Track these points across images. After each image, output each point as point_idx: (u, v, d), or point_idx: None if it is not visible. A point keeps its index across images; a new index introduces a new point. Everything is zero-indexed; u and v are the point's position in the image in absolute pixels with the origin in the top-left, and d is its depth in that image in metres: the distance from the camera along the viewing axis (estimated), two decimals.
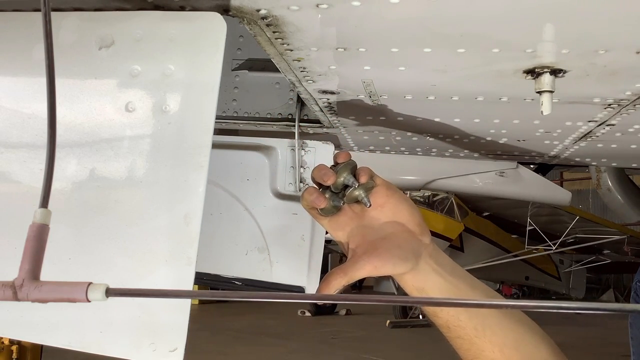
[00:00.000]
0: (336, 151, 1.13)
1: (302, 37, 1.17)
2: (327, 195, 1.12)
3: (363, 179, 1.10)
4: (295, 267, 2.13)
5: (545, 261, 16.14)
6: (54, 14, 0.84)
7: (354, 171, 1.12)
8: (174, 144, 1.15)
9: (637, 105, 1.53)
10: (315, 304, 14.33)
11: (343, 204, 1.12)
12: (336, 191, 1.12)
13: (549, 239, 13.73)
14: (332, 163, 1.14)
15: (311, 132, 2.14)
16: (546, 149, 2.18)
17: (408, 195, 12.60)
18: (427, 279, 1.11)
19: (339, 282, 1.05)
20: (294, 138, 2.08)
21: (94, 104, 1.17)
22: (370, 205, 1.11)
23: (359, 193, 1.10)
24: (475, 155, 2.44)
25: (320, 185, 1.12)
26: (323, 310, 14.88)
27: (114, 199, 1.16)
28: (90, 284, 0.74)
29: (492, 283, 18.44)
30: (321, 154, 2.12)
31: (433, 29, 1.11)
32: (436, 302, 1.12)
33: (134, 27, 1.15)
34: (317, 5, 1.02)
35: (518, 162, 2.80)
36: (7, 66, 1.22)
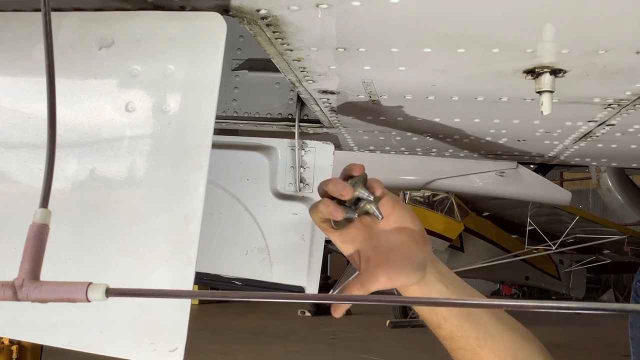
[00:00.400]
0: (349, 164, 1.11)
1: (302, 37, 1.17)
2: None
3: (378, 192, 1.09)
4: (295, 267, 2.13)
5: (545, 261, 16.13)
6: (54, 14, 0.84)
7: (366, 183, 1.11)
8: (174, 144, 1.15)
9: (637, 105, 1.53)
10: (315, 303, 14.32)
11: (358, 216, 1.10)
12: (349, 204, 1.10)
13: (549, 239, 13.72)
14: (343, 174, 1.12)
15: (311, 132, 2.14)
16: (546, 149, 2.18)
17: (408, 195, 12.63)
18: (433, 289, 1.12)
19: (356, 294, 1.06)
20: (294, 138, 2.08)
21: (94, 104, 1.17)
22: (382, 217, 1.10)
23: (370, 206, 1.09)
24: (475, 155, 2.44)
25: (332, 198, 1.10)
26: (323, 310, 14.88)
27: (114, 199, 1.16)
28: (90, 284, 0.74)
29: (492, 283, 18.44)
30: (321, 154, 2.12)
31: (433, 29, 1.11)
32: (436, 302, 1.12)
33: (134, 27, 1.15)
34: (317, 5, 1.02)
35: (518, 162, 2.80)
36: (7, 66, 1.22)
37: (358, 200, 1.09)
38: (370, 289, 1.05)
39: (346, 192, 1.05)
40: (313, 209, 1.08)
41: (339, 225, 1.11)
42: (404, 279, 1.08)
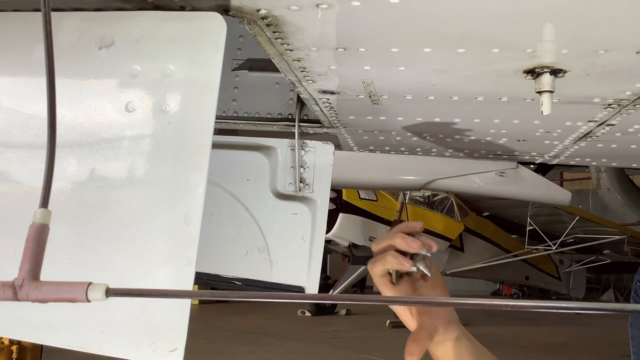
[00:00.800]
0: (409, 222, 1.20)
1: (302, 37, 1.17)
2: None
3: (435, 249, 1.16)
4: (295, 267, 2.13)
5: (545, 261, 16.12)
6: (54, 14, 0.84)
7: None
8: (174, 144, 1.15)
9: (637, 105, 1.53)
10: (315, 303, 14.30)
11: (417, 270, 1.15)
12: None
13: (549, 239, 13.71)
14: (402, 231, 1.17)
15: (311, 132, 2.14)
16: (546, 149, 2.18)
17: (408, 195, 12.63)
18: (462, 342, 1.19)
19: (426, 343, 1.15)
20: (294, 138, 2.08)
21: (94, 104, 1.17)
22: (431, 274, 1.16)
23: (424, 262, 1.14)
24: (475, 155, 2.44)
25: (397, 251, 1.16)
26: (323, 310, 14.87)
27: (114, 199, 1.16)
28: (90, 284, 0.74)
29: (492, 283, 18.43)
30: (321, 154, 2.12)
31: (433, 29, 1.11)
32: (436, 302, 1.13)
33: (134, 27, 1.15)
34: (317, 5, 1.02)
35: (518, 162, 2.80)
36: (7, 66, 1.22)
37: (413, 255, 1.15)
38: (435, 340, 1.17)
39: (416, 245, 1.13)
40: (378, 261, 1.15)
41: (397, 279, 1.18)
42: (453, 330, 1.18)
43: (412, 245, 1.12)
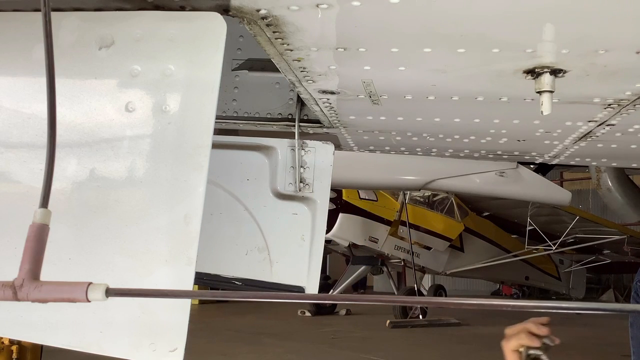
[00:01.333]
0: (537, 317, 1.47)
1: (302, 37, 1.17)
2: None
3: (557, 341, 1.39)
4: (295, 267, 2.13)
5: (545, 261, 16.11)
6: (54, 14, 0.84)
7: None
8: (174, 144, 1.15)
9: (637, 105, 1.53)
10: (315, 303, 14.30)
11: (542, 353, 1.39)
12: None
13: (549, 239, 13.70)
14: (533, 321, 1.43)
15: (311, 132, 2.14)
16: (546, 149, 2.18)
17: (408, 195, 12.64)
18: None
19: None
20: (294, 138, 2.08)
21: (94, 104, 1.17)
22: None
23: (547, 351, 1.38)
24: (475, 155, 2.45)
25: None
26: (323, 310, 14.87)
27: (114, 199, 1.16)
28: (90, 284, 0.74)
29: (492, 283, 18.45)
30: (321, 154, 2.12)
31: (433, 29, 1.11)
32: (436, 302, 1.13)
33: (134, 27, 1.15)
34: (317, 5, 1.03)
35: (518, 162, 2.80)
36: (7, 66, 1.22)
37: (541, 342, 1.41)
38: None
39: (545, 330, 1.40)
40: (513, 338, 1.42)
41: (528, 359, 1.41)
42: None
43: (542, 329, 1.40)
